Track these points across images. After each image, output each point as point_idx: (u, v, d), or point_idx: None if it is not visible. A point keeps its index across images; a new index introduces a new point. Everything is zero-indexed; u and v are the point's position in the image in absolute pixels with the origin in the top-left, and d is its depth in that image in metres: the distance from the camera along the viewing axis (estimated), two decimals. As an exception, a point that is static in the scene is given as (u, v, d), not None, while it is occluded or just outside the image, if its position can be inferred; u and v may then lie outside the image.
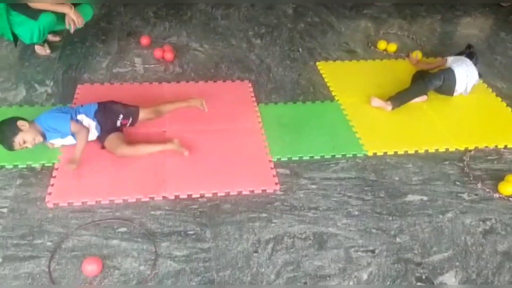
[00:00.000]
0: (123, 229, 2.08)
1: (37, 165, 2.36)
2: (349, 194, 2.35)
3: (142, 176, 2.33)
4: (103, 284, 1.84)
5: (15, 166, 2.36)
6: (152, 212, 2.17)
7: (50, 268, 1.88)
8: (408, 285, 1.92)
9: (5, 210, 2.13)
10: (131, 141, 2.45)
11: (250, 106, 2.91)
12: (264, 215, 2.19)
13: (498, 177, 2.47)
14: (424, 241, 2.12)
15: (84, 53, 3.41)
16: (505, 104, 3.10)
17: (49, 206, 2.16)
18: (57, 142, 2.40)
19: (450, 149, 2.68)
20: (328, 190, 2.36)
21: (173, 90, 3.02)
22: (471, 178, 2.48)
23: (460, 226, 2.21)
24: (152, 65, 3.30)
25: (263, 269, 1.94)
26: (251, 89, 3.09)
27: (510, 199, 2.36)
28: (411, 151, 2.64)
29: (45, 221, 2.09)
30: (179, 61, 3.38)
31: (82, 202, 2.18)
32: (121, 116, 2.46)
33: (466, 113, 3.01)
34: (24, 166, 2.36)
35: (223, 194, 2.28)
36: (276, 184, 2.35)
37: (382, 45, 3.67)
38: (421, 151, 2.65)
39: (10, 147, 2.27)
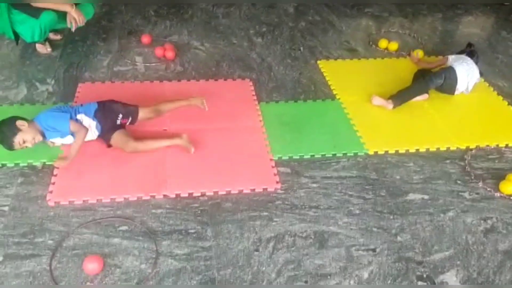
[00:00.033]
0: (124, 228, 2.08)
1: (38, 164, 2.37)
2: (350, 192, 2.35)
3: (143, 174, 2.33)
4: (104, 282, 1.84)
5: (16, 164, 2.36)
6: (153, 211, 2.17)
7: (51, 266, 1.88)
8: (409, 284, 1.93)
9: (6, 208, 2.13)
10: (137, 137, 2.46)
11: (251, 105, 2.91)
12: (265, 213, 2.19)
13: (499, 176, 2.47)
14: (425, 240, 2.12)
15: (85, 51, 3.41)
16: (507, 103, 3.10)
17: (50, 205, 2.16)
18: (57, 141, 2.40)
19: (452, 148, 2.68)
20: (329, 188, 2.36)
21: (174, 88, 3.02)
22: (472, 177, 2.48)
23: (461, 225, 2.21)
24: (153, 64, 3.30)
25: (264, 268, 1.94)
26: (252, 88, 3.08)
27: (511, 198, 2.36)
28: (412, 150, 2.64)
29: (46, 219, 2.09)
30: (180, 59, 3.38)
31: (83, 201, 2.18)
32: (121, 115, 2.45)
33: (467, 112, 3.00)
34: (25, 164, 2.36)
35: (224, 192, 2.28)
36: (277, 182, 2.35)
37: (383, 43, 3.67)
38: (422, 149, 2.65)
39: (10, 147, 2.27)
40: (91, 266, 1.86)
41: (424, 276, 1.96)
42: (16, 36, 3.17)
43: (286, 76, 3.27)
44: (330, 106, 2.97)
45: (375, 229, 2.16)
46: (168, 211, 2.17)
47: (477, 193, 2.39)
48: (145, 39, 3.54)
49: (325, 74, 3.29)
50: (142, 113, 2.55)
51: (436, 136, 2.75)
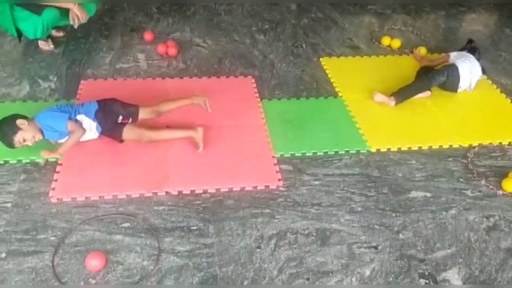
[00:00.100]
0: (126, 224, 2.08)
1: (40, 160, 2.37)
2: (352, 190, 2.35)
3: (146, 171, 2.33)
4: (106, 279, 1.84)
5: (19, 161, 2.36)
6: (155, 208, 2.17)
7: (53, 263, 1.89)
8: (411, 281, 1.92)
9: (9, 205, 2.14)
10: (150, 127, 2.48)
11: (253, 102, 2.90)
12: (267, 211, 2.19)
13: (502, 174, 2.46)
14: (427, 237, 2.12)
15: (87, 48, 3.41)
16: (510, 101, 3.08)
17: (53, 201, 2.16)
18: (58, 140, 2.39)
19: (454, 146, 2.67)
20: (331, 186, 2.36)
21: (176, 85, 3.02)
22: (475, 175, 2.47)
23: (463, 222, 2.20)
24: (156, 61, 3.30)
25: (266, 265, 1.95)
26: (255, 85, 3.08)
27: (514, 196, 2.36)
28: (415, 148, 2.63)
29: (48, 216, 2.09)
30: (183, 56, 3.38)
31: (86, 197, 2.19)
32: (121, 117, 2.45)
33: (470, 110, 2.99)
34: (28, 161, 2.37)
35: (226, 189, 2.29)
36: (279, 180, 2.35)
37: (386, 41, 3.66)
38: (425, 147, 2.64)
39: (10, 145, 2.28)
40: (94, 262, 1.86)
41: (426, 273, 1.96)
42: (19, 33, 3.18)
43: (288, 73, 3.27)
44: (332, 103, 2.97)
45: (377, 227, 2.16)
46: (170, 208, 2.17)
47: (480, 191, 2.39)
48: (148, 36, 3.54)
49: (327, 71, 3.28)
50: (143, 114, 2.53)
51: (438, 134, 2.74)
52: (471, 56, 3.06)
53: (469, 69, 2.99)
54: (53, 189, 2.21)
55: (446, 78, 2.97)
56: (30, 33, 3.13)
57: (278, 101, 2.96)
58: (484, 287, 1.92)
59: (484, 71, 3.11)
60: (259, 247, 2.02)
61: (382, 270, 1.96)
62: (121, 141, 2.45)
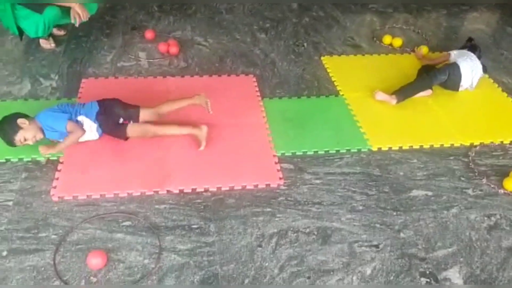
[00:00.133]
0: (127, 223, 2.08)
1: (42, 159, 2.37)
2: (353, 189, 2.35)
3: (147, 170, 2.34)
4: (107, 277, 1.85)
5: (20, 159, 2.37)
6: (157, 206, 2.17)
7: (55, 261, 1.89)
8: (412, 280, 1.92)
9: (10, 203, 2.14)
10: (155, 122, 2.49)
11: (255, 101, 2.90)
12: (268, 209, 2.20)
13: (503, 173, 2.46)
14: (428, 236, 2.12)
15: (88, 47, 3.41)
16: (511, 100, 3.08)
17: (54, 200, 2.17)
18: (59, 140, 2.39)
19: (455, 145, 2.67)
20: (332, 185, 2.36)
21: (178, 84, 3.02)
22: (476, 174, 2.47)
23: (464, 221, 2.20)
24: (157, 59, 3.30)
25: (266, 263, 1.95)
26: (256, 84, 3.08)
27: (515, 195, 2.36)
28: (416, 146, 2.63)
29: (50, 214, 2.10)
30: (184, 55, 3.38)
31: (87, 196, 2.19)
32: (121, 119, 2.45)
33: (471, 108, 2.99)
34: (29, 159, 2.37)
35: (227, 188, 2.29)
36: (280, 178, 2.35)
37: (387, 39, 3.65)
38: (426, 146, 2.64)
39: (11, 144, 2.29)
40: (95, 261, 1.87)
41: (427, 272, 1.96)
42: (20, 32, 3.18)
43: (289, 72, 3.27)
44: (333, 102, 2.97)
45: (378, 225, 2.16)
46: (172, 207, 2.18)
47: (481, 190, 2.38)
48: (149, 34, 3.54)
49: (328, 70, 3.28)
50: (144, 115, 2.49)
51: (440, 133, 2.74)
52: (472, 54, 3.05)
53: (470, 67, 2.99)
54: (55, 187, 2.21)
55: (448, 77, 2.97)
56: (32, 31, 3.13)
57: (279, 100, 2.96)
58: (485, 287, 1.92)
59: (485, 70, 3.10)
60: (260, 246, 2.02)
61: (383, 269, 1.96)
62: (126, 138, 2.45)
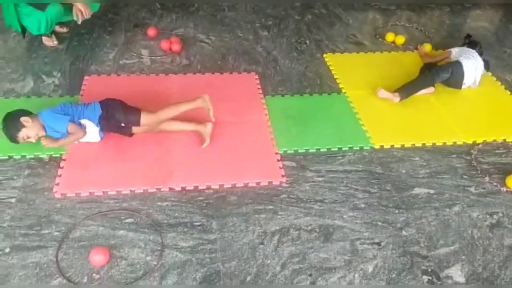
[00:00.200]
0: (130, 220, 2.09)
1: (45, 156, 2.38)
2: (355, 187, 2.35)
3: (149, 167, 2.34)
4: (109, 274, 1.85)
5: (23, 156, 2.37)
6: (159, 203, 2.18)
7: (57, 258, 1.90)
8: (413, 278, 1.92)
9: (13, 200, 2.15)
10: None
11: (257, 98, 2.90)
12: (270, 207, 2.20)
13: (505, 171, 2.45)
14: (430, 234, 2.12)
15: (91, 44, 3.41)
16: (514, 97, 3.08)
17: (57, 197, 2.17)
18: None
19: (458, 142, 2.66)
20: (335, 182, 2.36)
21: (180, 81, 3.02)
22: (479, 172, 2.47)
23: (467, 219, 2.20)
24: (159, 57, 3.30)
25: (268, 261, 1.95)
26: (258, 81, 3.08)
27: (518, 193, 2.35)
28: (418, 144, 2.63)
29: (52, 211, 2.10)
30: (186, 52, 3.38)
31: (90, 193, 2.20)
32: (123, 125, 2.45)
33: (474, 106, 2.98)
34: (32, 156, 2.37)
35: (230, 186, 2.29)
36: (282, 176, 2.35)
37: (390, 37, 3.64)
38: (428, 144, 2.64)
39: (14, 141, 2.30)
40: (97, 257, 1.87)
41: (429, 270, 1.96)
42: (23, 29, 3.18)
43: (292, 69, 3.26)
44: (336, 99, 2.96)
45: (380, 223, 2.16)
46: (174, 204, 2.18)
47: (483, 188, 2.38)
48: (151, 32, 3.54)
49: (331, 68, 3.28)
50: (144, 120, 2.43)
51: (442, 130, 2.73)
52: (474, 51, 3.05)
53: (473, 65, 2.98)
54: (57, 184, 2.22)
55: (450, 75, 2.96)
56: (34, 29, 3.14)
57: (282, 98, 2.96)
58: (487, 285, 1.92)
59: (487, 65, 3.09)
60: (262, 243, 2.02)
61: (385, 267, 1.96)
62: (131, 135, 2.47)
